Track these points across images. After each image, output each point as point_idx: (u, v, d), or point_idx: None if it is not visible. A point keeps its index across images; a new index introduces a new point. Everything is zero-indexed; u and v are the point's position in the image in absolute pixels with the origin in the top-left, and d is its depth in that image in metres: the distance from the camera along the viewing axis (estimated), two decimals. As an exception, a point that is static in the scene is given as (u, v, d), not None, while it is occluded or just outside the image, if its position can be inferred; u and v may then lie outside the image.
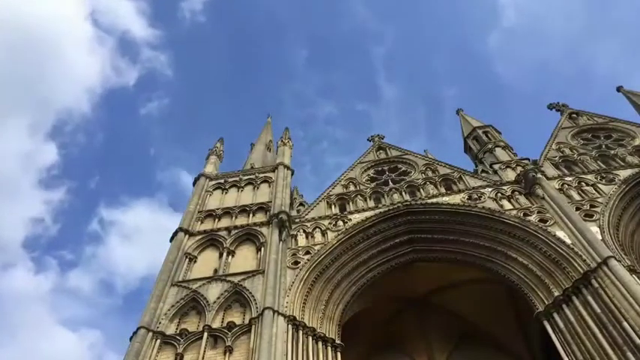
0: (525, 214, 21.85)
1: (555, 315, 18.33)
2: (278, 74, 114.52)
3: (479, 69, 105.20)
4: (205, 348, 17.58)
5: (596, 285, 17.66)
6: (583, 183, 23.70)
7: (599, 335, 16.66)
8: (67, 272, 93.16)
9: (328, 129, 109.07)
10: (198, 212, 25.80)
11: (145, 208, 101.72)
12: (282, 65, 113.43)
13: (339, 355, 19.19)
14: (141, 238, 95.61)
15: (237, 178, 29.21)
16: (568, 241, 19.68)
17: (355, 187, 27.67)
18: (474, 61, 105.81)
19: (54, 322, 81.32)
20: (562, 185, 23.67)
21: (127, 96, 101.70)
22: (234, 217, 25.26)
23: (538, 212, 21.86)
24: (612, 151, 26.96)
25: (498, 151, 28.72)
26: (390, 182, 27.82)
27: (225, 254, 22.47)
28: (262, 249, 22.27)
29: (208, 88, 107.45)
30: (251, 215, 25.25)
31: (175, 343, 18.05)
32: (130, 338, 18.06)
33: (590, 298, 17.60)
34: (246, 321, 18.49)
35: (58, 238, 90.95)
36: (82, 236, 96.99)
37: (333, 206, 25.88)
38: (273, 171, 29.20)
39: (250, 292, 19.59)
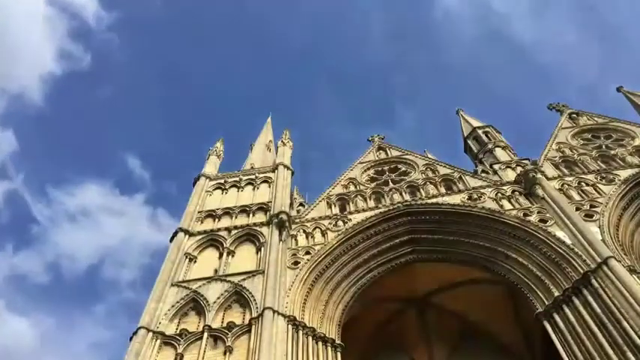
0: (525, 215, 21.85)
1: (555, 315, 18.31)
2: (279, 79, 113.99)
3: (496, 95, 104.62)
4: (205, 348, 17.58)
5: (597, 285, 17.64)
6: (583, 183, 23.69)
7: (599, 335, 16.64)
8: (17, 256, 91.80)
9: (346, 151, 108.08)
10: (198, 212, 25.78)
11: (93, 191, 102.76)
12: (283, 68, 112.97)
13: (339, 355, 19.19)
14: (88, 220, 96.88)
15: (237, 179, 29.24)
16: (568, 241, 19.67)
17: (355, 187, 27.67)
18: (490, 85, 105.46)
19: (3, 308, 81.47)
20: (562, 185, 23.66)
21: (81, 77, 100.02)
22: (234, 217, 25.26)
23: (538, 212, 21.84)
24: (612, 151, 26.94)
25: (498, 152, 28.75)
26: (390, 182, 27.81)
27: (225, 254, 22.47)
28: (262, 249, 22.26)
29: (175, 78, 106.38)
30: (251, 215, 25.25)
31: (175, 343, 18.05)
32: (130, 338, 18.05)
33: (590, 299, 17.58)
34: (246, 321, 18.49)
35: (9, 223, 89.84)
36: (31, 220, 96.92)
37: (333, 206, 25.88)
38: (273, 171, 29.21)
39: (250, 292, 19.59)
